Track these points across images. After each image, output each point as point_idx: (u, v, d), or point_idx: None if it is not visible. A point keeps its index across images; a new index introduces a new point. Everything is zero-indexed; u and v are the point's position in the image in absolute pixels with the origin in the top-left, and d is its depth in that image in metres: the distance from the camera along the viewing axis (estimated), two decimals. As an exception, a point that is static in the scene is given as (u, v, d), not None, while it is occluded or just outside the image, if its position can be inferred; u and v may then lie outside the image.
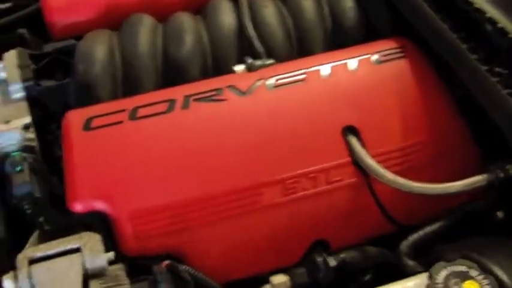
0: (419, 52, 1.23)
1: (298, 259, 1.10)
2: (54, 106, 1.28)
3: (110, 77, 1.25)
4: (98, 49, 1.27)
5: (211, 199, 1.03)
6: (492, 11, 1.16)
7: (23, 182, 1.07)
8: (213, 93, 1.14)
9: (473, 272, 0.87)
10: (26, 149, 1.17)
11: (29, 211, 1.08)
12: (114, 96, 1.24)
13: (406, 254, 1.03)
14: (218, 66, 1.29)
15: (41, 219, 1.08)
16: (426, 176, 1.09)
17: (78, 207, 1.03)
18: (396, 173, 1.06)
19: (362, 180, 1.09)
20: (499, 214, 1.16)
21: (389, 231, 1.13)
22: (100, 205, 1.02)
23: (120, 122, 1.10)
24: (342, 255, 1.08)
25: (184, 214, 1.03)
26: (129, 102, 1.14)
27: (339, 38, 1.35)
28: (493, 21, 1.12)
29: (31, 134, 1.20)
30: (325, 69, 1.18)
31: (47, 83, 1.30)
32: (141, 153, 1.07)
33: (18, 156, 1.12)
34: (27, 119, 1.21)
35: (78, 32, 1.37)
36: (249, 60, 1.21)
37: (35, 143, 1.19)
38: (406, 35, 1.28)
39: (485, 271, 0.87)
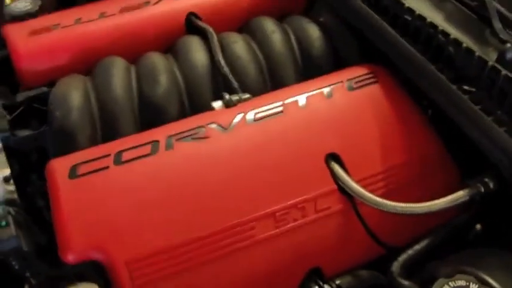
0: (391, 76, 1.27)
1: (295, 289, 1.11)
2: (32, 156, 1.28)
3: (88, 122, 1.25)
4: (74, 95, 1.27)
5: (205, 238, 1.04)
6: (455, 33, 1.21)
7: (9, 237, 1.05)
8: (195, 131, 1.15)
9: (473, 286, 0.90)
10: (8, 202, 1.15)
11: (16, 266, 1.06)
12: (94, 142, 1.24)
13: (399, 274, 1.05)
14: (195, 104, 1.30)
15: (28, 274, 1.06)
16: (409, 196, 1.12)
17: (71, 257, 1.01)
18: (380, 195, 1.09)
19: (349, 206, 1.12)
20: (478, 227, 1.21)
21: (379, 253, 1.15)
22: (94, 254, 1.01)
23: (106, 167, 1.10)
24: (338, 282, 1.09)
25: (179, 256, 1.02)
26: (112, 147, 1.14)
27: (308, 68, 1.39)
28: (457, 42, 1.17)
29: (11, 186, 1.18)
30: (301, 100, 1.21)
31: (23, 133, 1.30)
32: (131, 197, 1.06)
33: (1, 210, 1.11)
34: (7, 171, 1.20)
35: (50, 78, 1.38)
36: (226, 96, 1.23)
37: (15, 195, 1.18)
38: (375, 61, 1.32)
39: (483, 283, 0.90)
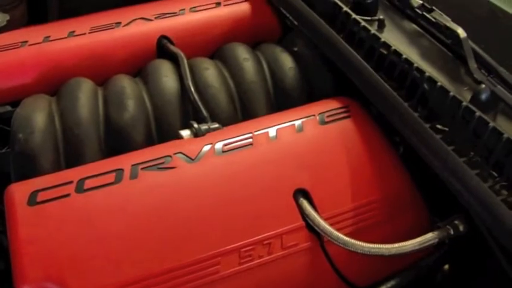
0: (363, 111, 1.26)
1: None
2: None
3: (52, 146, 1.21)
4: (37, 117, 1.23)
5: (167, 273, 1.00)
6: (430, 70, 1.20)
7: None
8: (162, 161, 1.11)
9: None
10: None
11: None
12: (57, 166, 1.20)
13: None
14: (162, 131, 1.27)
15: None
16: (379, 234, 1.10)
17: None
18: (350, 233, 1.07)
19: (316, 244, 1.09)
20: (446, 267, 1.19)
21: None
22: (51, 286, 0.97)
23: (67, 195, 1.06)
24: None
25: (139, 291, 0.99)
26: (75, 173, 1.10)
27: (281, 99, 1.36)
28: (432, 81, 1.16)
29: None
30: (272, 132, 1.18)
31: (-16, 153, 1.26)
32: (91, 228, 1.03)
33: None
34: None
35: (15, 96, 1.34)
36: (195, 125, 1.20)
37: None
38: (349, 94, 1.30)
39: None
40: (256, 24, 1.57)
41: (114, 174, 1.09)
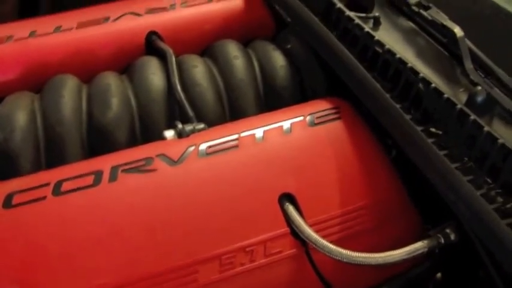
0: (355, 113, 1.21)
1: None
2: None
3: (32, 146, 1.18)
4: (19, 115, 1.20)
5: (145, 280, 0.96)
6: (425, 70, 1.15)
7: None
8: (142, 163, 1.07)
9: None
10: None
11: None
12: (38, 166, 1.17)
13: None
14: (147, 131, 1.24)
15: None
16: (367, 242, 1.06)
17: None
18: (336, 240, 1.03)
19: (301, 251, 1.05)
20: (439, 275, 1.15)
21: None
22: None
23: (43, 197, 1.02)
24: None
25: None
26: (53, 175, 1.07)
27: (271, 98, 1.32)
28: (426, 82, 1.11)
29: None
30: (258, 134, 1.14)
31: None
32: (66, 232, 0.99)
33: None
34: None
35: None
36: (179, 125, 1.16)
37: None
38: (342, 94, 1.25)
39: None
40: (250, 20, 1.53)
41: (92, 176, 1.05)
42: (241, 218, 1.04)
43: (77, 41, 1.40)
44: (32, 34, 1.40)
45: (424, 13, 1.27)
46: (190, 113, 1.22)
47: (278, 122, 1.17)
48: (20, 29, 1.42)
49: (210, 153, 1.10)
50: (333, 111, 1.20)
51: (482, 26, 1.31)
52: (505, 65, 1.13)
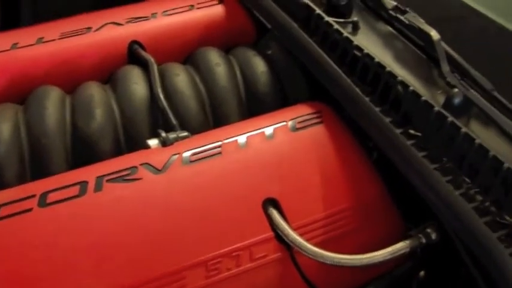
0: (336, 117, 1.23)
1: None
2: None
3: (17, 158, 1.19)
4: (3, 127, 1.21)
5: None
6: (403, 73, 1.17)
7: None
8: (127, 172, 1.08)
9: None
10: None
11: None
12: (22, 178, 1.18)
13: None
14: (131, 140, 1.25)
15: None
16: (351, 243, 1.08)
17: None
18: (320, 243, 1.04)
19: (286, 255, 1.06)
20: (421, 274, 1.17)
21: None
22: None
23: (29, 209, 1.02)
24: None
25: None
26: (38, 187, 1.07)
27: (253, 104, 1.34)
28: (404, 85, 1.13)
29: None
30: (241, 140, 1.16)
31: None
32: (53, 244, 1.00)
33: None
34: None
35: None
36: (163, 134, 1.17)
37: None
38: (323, 99, 1.27)
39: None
40: (231, 27, 1.54)
41: (78, 186, 1.06)
42: (226, 223, 1.05)
43: (59, 51, 1.41)
44: (14, 46, 1.40)
45: (402, 17, 1.29)
46: (174, 121, 1.23)
47: (261, 127, 1.19)
48: (2, 40, 1.42)
49: (193, 160, 1.12)
50: (315, 115, 1.22)
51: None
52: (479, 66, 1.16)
